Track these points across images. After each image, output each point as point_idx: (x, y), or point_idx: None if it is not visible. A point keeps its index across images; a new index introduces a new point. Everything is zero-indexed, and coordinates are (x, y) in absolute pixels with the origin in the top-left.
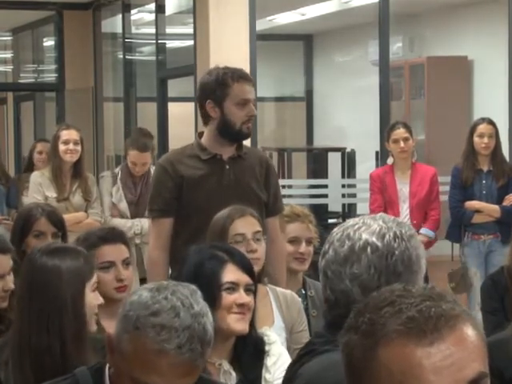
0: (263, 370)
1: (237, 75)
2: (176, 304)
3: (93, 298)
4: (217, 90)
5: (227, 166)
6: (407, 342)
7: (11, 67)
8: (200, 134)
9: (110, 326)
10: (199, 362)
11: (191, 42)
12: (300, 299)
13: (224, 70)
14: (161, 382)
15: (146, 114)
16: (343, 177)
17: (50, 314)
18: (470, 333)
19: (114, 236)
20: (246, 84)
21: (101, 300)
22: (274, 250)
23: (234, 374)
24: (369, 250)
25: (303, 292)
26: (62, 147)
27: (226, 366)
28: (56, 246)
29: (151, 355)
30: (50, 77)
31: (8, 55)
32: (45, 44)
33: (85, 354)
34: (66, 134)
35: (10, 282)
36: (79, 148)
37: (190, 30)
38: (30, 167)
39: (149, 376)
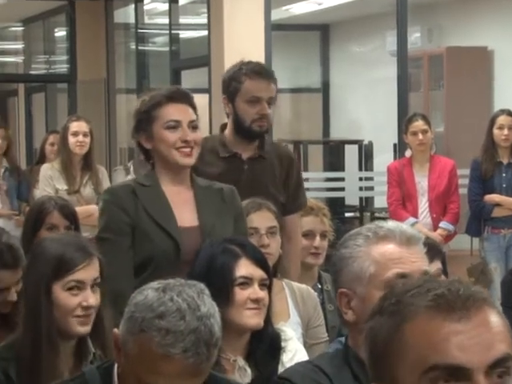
0: (279, 367)
1: (252, 71)
2: (182, 306)
3: (68, 299)
4: (230, 86)
5: (246, 166)
6: (435, 315)
7: (22, 58)
8: (223, 126)
9: (173, 191)
10: (205, 365)
11: (205, 33)
12: (316, 294)
13: (242, 65)
14: None
15: None
16: (360, 170)
17: (25, 304)
18: (496, 318)
19: (180, 95)
20: (260, 81)
21: (90, 302)
22: (290, 248)
23: (249, 370)
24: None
25: (319, 286)
26: (71, 139)
27: (241, 362)
28: (64, 234)
29: (156, 359)
30: (62, 68)
31: (19, 46)
32: (56, 34)
33: (52, 361)
34: (75, 126)
35: (13, 294)
36: (88, 140)
37: (204, 20)
38: (42, 159)
39: (154, 378)
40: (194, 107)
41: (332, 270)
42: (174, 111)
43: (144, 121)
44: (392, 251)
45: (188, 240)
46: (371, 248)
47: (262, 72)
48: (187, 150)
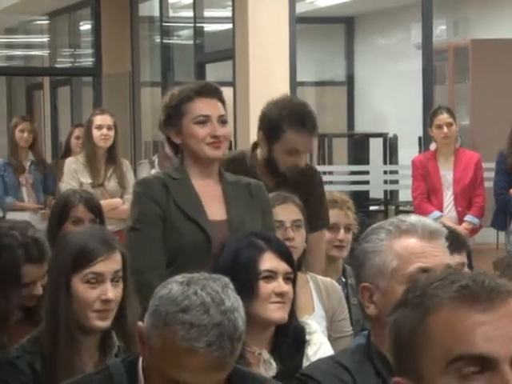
0: (304, 360)
1: (295, 122)
2: (206, 300)
3: (86, 292)
4: (271, 130)
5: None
6: (459, 306)
7: (48, 52)
8: (254, 146)
9: (202, 185)
10: (229, 359)
11: (230, 26)
12: (340, 287)
13: (283, 107)
14: (190, 378)
15: None
16: (385, 163)
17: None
18: None
19: (210, 90)
20: (303, 134)
21: (109, 296)
22: (309, 266)
23: (273, 363)
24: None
25: (343, 280)
26: (95, 132)
27: (266, 355)
28: (87, 227)
29: (180, 353)
30: (87, 61)
31: (44, 39)
32: (81, 28)
33: (71, 354)
34: (99, 119)
35: (39, 288)
36: (112, 133)
37: (229, 13)
38: (68, 153)
39: (178, 372)
40: (223, 101)
41: (354, 264)
42: (203, 106)
43: (173, 115)
44: (414, 245)
45: (218, 233)
46: (394, 242)
47: (305, 125)
48: (217, 144)
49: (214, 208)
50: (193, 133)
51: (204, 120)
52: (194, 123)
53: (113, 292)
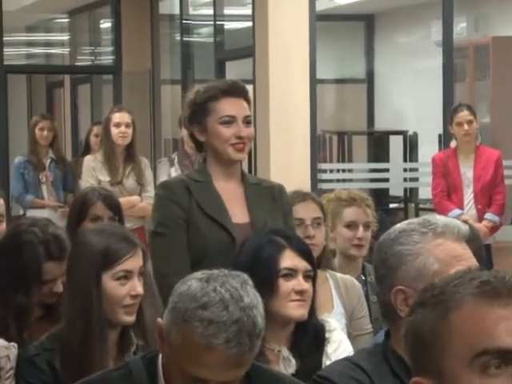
0: (324, 358)
1: None
2: (225, 296)
3: (117, 289)
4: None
5: None
6: (481, 302)
7: (68, 49)
8: None
9: (224, 187)
10: (247, 356)
11: (250, 23)
12: (360, 285)
13: None
14: (208, 374)
15: None
16: (405, 161)
17: (74, 294)
18: None
19: (237, 90)
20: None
21: (138, 290)
22: None
23: (293, 360)
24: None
25: (363, 278)
26: (113, 130)
27: (286, 352)
28: (105, 225)
29: (199, 349)
30: (107, 59)
31: (65, 37)
32: (102, 26)
33: (101, 351)
34: (117, 117)
35: (59, 285)
36: (131, 131)
37: (249, 11)
38: (88, 150)
39: (196, 368)
40: (248, 102)
41: (382, 267)
42: (229, 106)
43: (198, 113)
44: (453, 248)
45: (241, 235)
46: (432, 245)
47: None
48: (241, 145)
49: (237, 211)
50: (218, 133)
51: (229, 120)
52: (219, 123)
53: (140, 287)
